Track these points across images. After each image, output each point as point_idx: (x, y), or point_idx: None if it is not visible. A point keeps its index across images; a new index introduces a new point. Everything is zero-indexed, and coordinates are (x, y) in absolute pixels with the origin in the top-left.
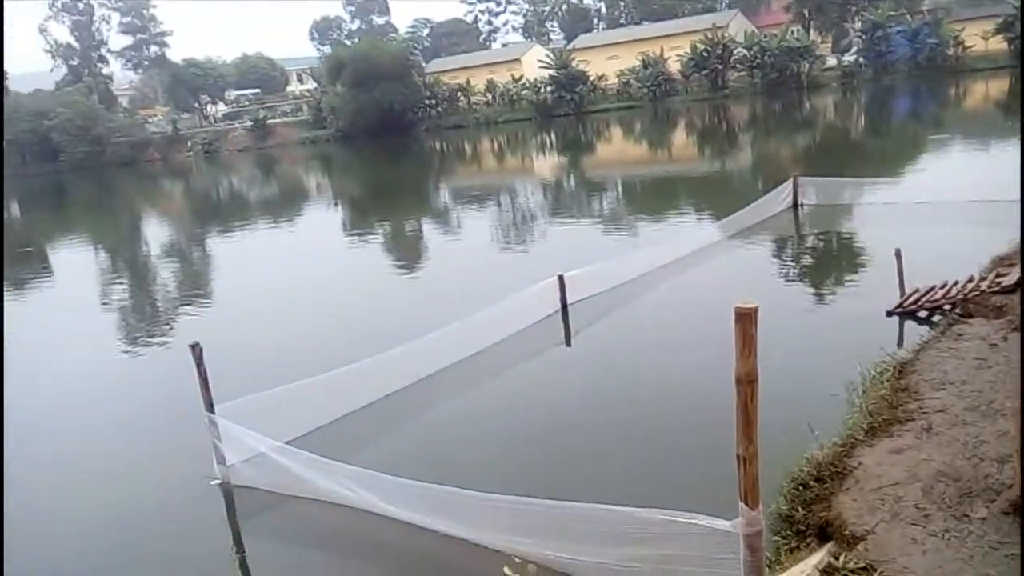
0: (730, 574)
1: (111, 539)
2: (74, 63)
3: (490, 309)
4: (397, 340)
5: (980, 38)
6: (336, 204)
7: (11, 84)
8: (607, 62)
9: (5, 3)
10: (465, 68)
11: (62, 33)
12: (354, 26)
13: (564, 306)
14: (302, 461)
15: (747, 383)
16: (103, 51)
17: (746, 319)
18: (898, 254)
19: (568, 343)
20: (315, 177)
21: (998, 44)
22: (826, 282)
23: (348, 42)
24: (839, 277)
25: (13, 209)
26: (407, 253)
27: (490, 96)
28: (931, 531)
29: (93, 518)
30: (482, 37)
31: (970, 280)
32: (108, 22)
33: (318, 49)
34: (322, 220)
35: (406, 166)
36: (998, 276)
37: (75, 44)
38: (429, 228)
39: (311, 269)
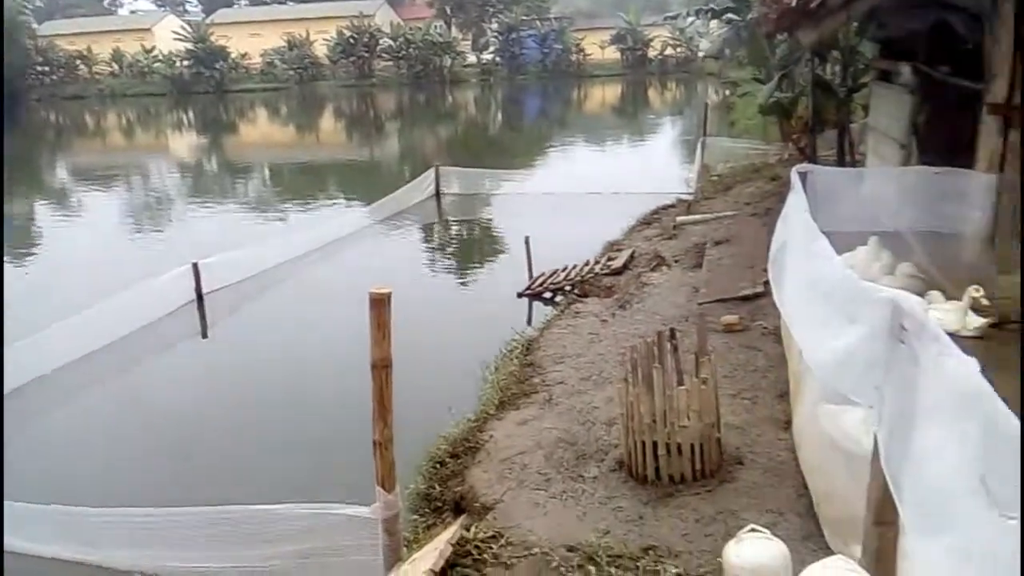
0: (371, 560)
1: None
2: None
3: (113, 300)
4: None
5: (598, 47)
6: None
7: None
8: (250, 40)
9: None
10: (86, 33)
11: None
12: None
13: (200, 296)
14: None
15: (382, 368)
16: None
17: (380, 304)
18: (527, 241)
19: (204, 335)
20: None
21: (612, 54)
22: (466, 267)
23: None
24: (478, 262)
25: None
26: (15, 241)
27: (116, 67)
28: (552, 494)
29: None
30: (107, 1)
31: (586, 264)
32: None
33: None
34: None
35: (14, 138)
36: (609, 259)
37: None
38: (44, 211)
39: None
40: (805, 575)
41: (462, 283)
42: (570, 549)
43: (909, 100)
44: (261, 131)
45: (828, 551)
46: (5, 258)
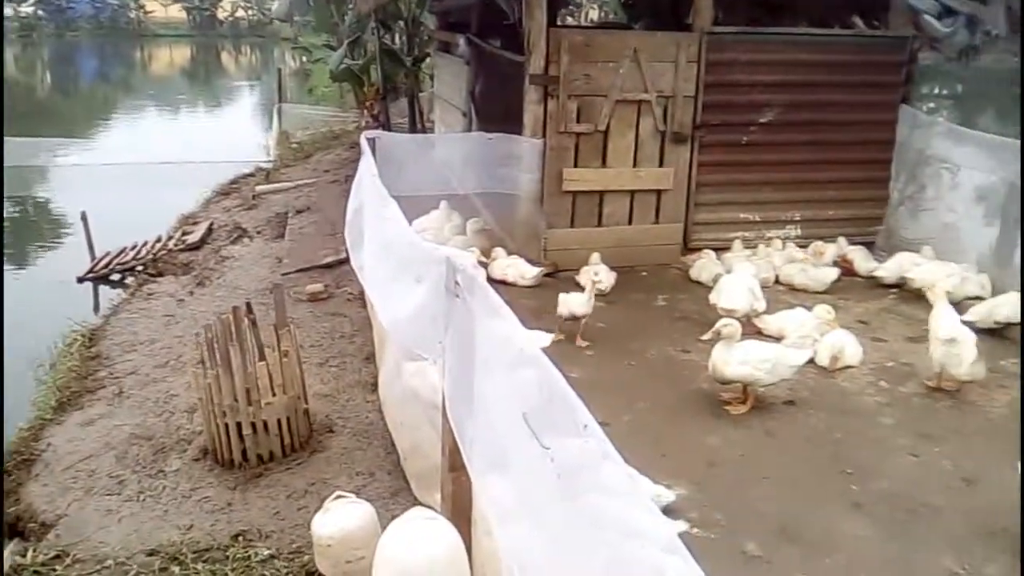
0: None
1: None
2: None
3: None
4: None
5: (161, 5)
6: None
7: None
8: None
9: None
10: None
11: None
12: None
13: None
14: None
15: None
16: None
17: None
18: (84, 217)
19: None
20: None
21: (178, 13)
22: (15, 252)
23: None
24: (29, 246)
25: None
26: None
27: None
28: (127, 497)
29: None
30: None
31: (159, 240)
32: None
33: None
34: None
35: None
36: (184, 234)
37: None
38: None
39: None
40: (388, 531)
41: (11, 271)
42: (151, 553)
43: (466, 70)
44: None
45: (416, 503)
46: None
